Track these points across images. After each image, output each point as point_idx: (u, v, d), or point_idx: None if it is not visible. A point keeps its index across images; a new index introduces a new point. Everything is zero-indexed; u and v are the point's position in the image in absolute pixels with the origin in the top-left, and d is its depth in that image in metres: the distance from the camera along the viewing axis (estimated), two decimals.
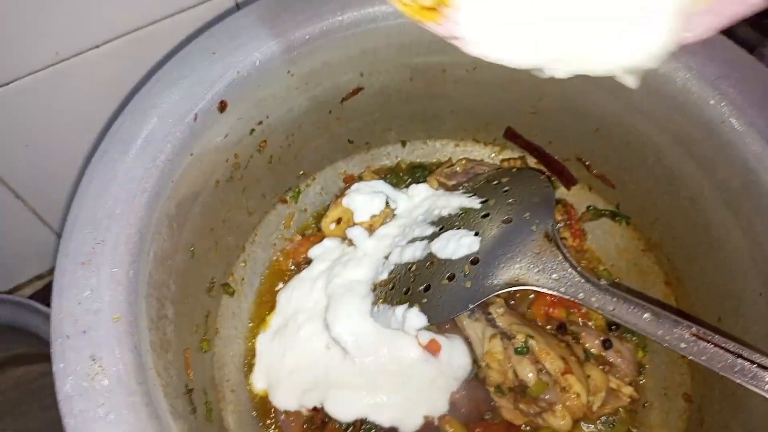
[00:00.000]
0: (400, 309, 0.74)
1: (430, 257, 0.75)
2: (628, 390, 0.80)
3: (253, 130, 0.75)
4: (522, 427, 0.78)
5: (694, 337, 0.57)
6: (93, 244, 0.55)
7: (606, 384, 0.78)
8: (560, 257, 0.67)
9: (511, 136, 0.93)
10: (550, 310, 0.84)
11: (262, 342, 0.84)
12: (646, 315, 0.61)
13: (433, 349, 0.78)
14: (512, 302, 0.83)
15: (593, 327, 0.84)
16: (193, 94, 0.65)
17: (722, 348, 0.56)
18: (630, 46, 0.41)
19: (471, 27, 0.43)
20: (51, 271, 1.18)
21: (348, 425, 0.77)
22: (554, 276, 0.66)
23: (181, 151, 0.64)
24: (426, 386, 0.77)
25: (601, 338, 0.81)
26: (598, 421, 0.81)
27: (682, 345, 0.58)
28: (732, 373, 0.55)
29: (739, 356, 0.55)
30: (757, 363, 0.54)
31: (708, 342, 0.57)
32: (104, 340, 0.52)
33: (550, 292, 0.66)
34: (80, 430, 0.49)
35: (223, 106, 0.67)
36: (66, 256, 0.55)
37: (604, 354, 0.81)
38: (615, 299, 0.63)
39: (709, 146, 0.70)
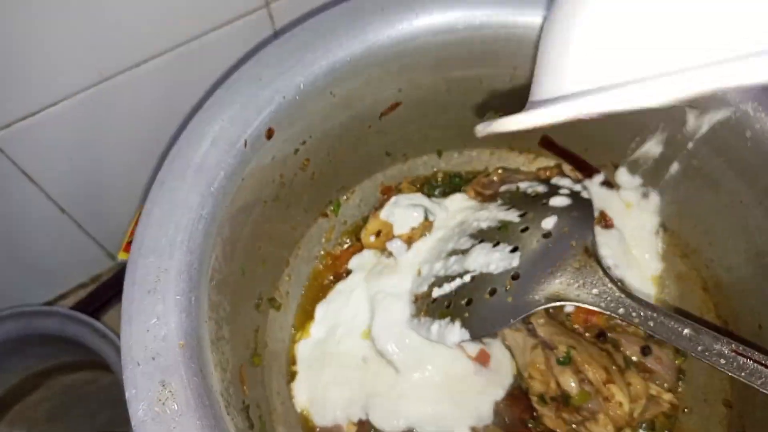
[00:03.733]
0: (443, 322, 0.75)
1: (472, 272, 0.77)
2: (667, 396, 0.81)
3: (297, 150, 0.77)
4: None
5: (734, 353, 0.59)
6: (157, 272, 0.58)
7: (646, 391, 0.79)
8: (600, 272, 0.68)
9: (547, 144, 0.94)
10: (590, 317, 0.85)
11: (302, 350, 0.86)
12: (686, 331, 0.62)
13: (483, 359, 0.80)
14: (552, 310, 0.85)
15: (632, 334, 0.85)
16: (243, 121, 0.67)
17: (762, 364, 0.57)
18: None
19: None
20: (93, 280, 1.22)
21: None
22: (594, 291, 0.68)
23: (233, 177, 0.66)
24: (473, 397, 0.78)
25: (641, 345, 0.83)
26: (639, 428, 0.82)
27: (722, 361, 0.59)
28: None
29: None
30: None
31: (748, 358, 0.58)
32: (172, 366, 0.54)
33: (590, 307, 0.68)
34: None
35: (270, 134, 0.69)
36: (133, 284, 0.58)
37: (643, 360, 0.83)
38: (655, 315, 0.64)
39: (748, 155, 0.71)
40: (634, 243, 0.89)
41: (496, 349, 0.81)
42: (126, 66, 0.86)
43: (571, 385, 0.75)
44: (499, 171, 0.93)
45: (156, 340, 0.55)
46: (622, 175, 0.90)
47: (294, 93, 0.71)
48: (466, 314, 0.73)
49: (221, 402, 0.58)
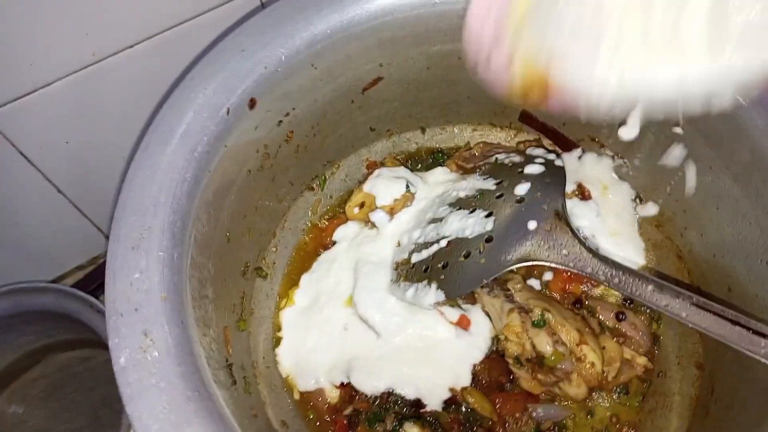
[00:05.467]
0: (420, 285, 0.78)
1: (448, 237, 0.80)
2: (642, 360, 0.84)
3: (280, 121, 0.79)
4: (540, 396, 0.82)
5: (694, 306, 0.61)
6: (141, 230, 0.61)
7: (620, 354, 0.82)
8: (570, 234, 0.71)
9: (527, 119, 0.96)
10: (567, 285, 0.88)
11: (287, 317, 0.88)
12: (650, 287, 0.64)
13: (463, 324, 0.83)
14: (529, 279, 0.88)
15: (609, 301, 0.87)
16: (225, 90, 0.70)
17: (720, 316, 0.59)
18: None
19: None
20: (91, 262, 1.24)
21: (375, 398, 0.82)
22: (564, 252, 0.70)
23: (216, 143, 0.69)
24: (452, 360, 0.81)
25: (616, 311, 0.85)
26: (614, 391, 0.85)
27: (684, 314, 0.62)
28: (730, 339, 0.58)
29: (737, 323, 0.58)
30: (752, 329, 0.57)
31: (707, 311, 0.60)
32: (154, 317, 0.57)
33: (559, 266, 0.70)
34: (135, 398, 0.54)
35: (252, 103, 0.72)
36: (117, 240, 0.60)
37: (618, 326, 0.85)
38: (620, 272, 0.67)
39: (716, 122, 0.74)
40: (611, 213, 0.91)
41: (475, 314, 0.84)
42: (119, 47, 0.88)
43: (545, 346, 0.77)
44: (480, 145, 0.95)
45: (139, 293, 0.58)
46: (599, 148, 0.93)
47: (276, 64, 0.73)
48: (442, 277, 0.76)
49: (202, 354, 0.61)
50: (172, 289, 0.60)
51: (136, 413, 0.54)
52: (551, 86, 0.59)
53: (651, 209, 0.90)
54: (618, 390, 0.85)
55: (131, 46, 0.88)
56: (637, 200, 0.92)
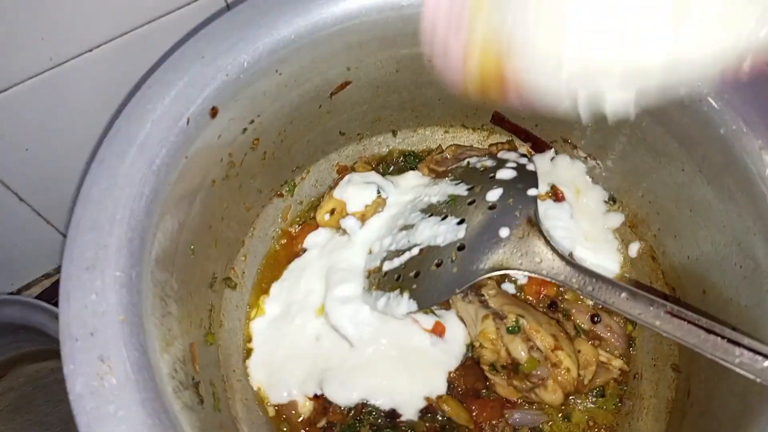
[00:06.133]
0: (393, 295, 0.76)
1: (420, 245, 0.78)
2: (617, 363, 0.83)
3: (245, 129, 0.77)
4: (517, 403, 0.81)
5: (668, 314, 0.60)
6: (96, 249, 0.58)
7: (596, 358, 0.81)
8: (543, 241, 0.70)
9: (499, 121, 0.95)
10: (542, 288, 0.87)
11: (257, 327, 0.87)
12: (623, 294, 0.63)
13: (438, 331, 0.82)
14: (504, 283, 0.87)
15: (583, 303, 0.86)
16: (185, 99, 0.67)
17: (695, 324, 0.58)
18: None
19: None
20: (57, 270, 1.21)
21: (349, 409, 0.81)
22: (537, 259, 0.69)
23: (176, 154, 0.66)
24: (427, 368, 0.80)
25: (591, 314, 0.84)
26: (590, 394, 0.84)
27: (657, 322, 0.61)
28: (705, 348, 0.57)
29: (711, 332, 0.57)
30: (727, 338, 0.56)
31: (681, 319, 0.59)
32: (111, 341, 0.55)
33: (532, 275, 0.69)
34: (92, 428, 0.52)
35: (214, 112, 0.69)
36: (71, 261, 0.58)
37: (594, 329, 0.84)
38: (594, 280, 0.65)
39: (688, 124, 0.73)
40: (585, 215, 0.90)
41: (450, 320, 0.83)
42: (78, 51, 0.85)
43: (520, 352, 0.76)
44: (452, 148, 0.94)
45: (95, 316, 0.55)
46: (572, 149, 0.92)
47: (238, 71, 0.71)
48: (414, 286, 0.75)
49: (166, 377, 0.59)
50: (131, 310, 0.57)
51: None
52: (510, 80, 0.56)
53: (616, 220, 0.90)
54: (594, 393, 0.84)
55: (91, 50, 0.86)
56: (610, 202, 0.91)
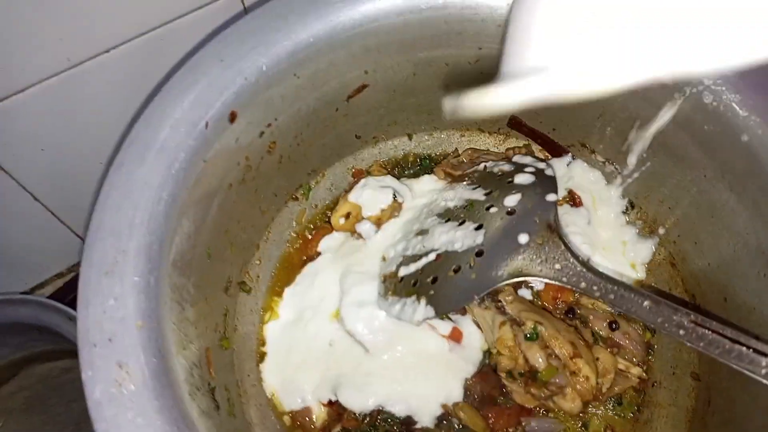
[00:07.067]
0: (409, 300, 0.76)
1: (437, 250, 0.77)
2: (636, 371, 0.82)
3: (262, 132, 0.76)
4: (534, 411, 0.81)
5: (692, 324, 0.59)
6: (115, 253, 0.58)
7: (615, 366, 0.80)
8: (562, 247, 0.69)
9: (516, 125, 0.94)
10: (559, 294, 0.86)
11: (271, 331, 0.86)
12: (645, 303, 0.62)
13: (456, 336, 0.81)
14: (520, 289, 0.86)
15: (601, 310, 0.85)
16: (204, 103, 0.67)
17: (720, 334, 0.57)
18: None
19: None
20: (71, 269, 1.21)
21: (365, 415, 0.80)
22: (557, 266, 0.68)
23: (194, 159, 0.66)
24: (443, 375, 0.79)
25: (609, 321, 0.83)
26: (608, 402, 0.83)
27: (681, 332, 0.60)
28: (729, 358, 0.56)
29: (737, 342, 0.56)
30: (753, 348, 0.55)
31: (706, 329, 0.58)
32: (129, 347, 0.54)
33: (552, 282, 0.68)
34: None
35: (233, 116, 0.69)
36: (90, 266, 0.57)
37: (612, 336, 0.83)
38: (616, 288, 0.65)
39: (710, 129, 0.72)
40: (603, 220, 0.89)
41: (466, 326, 0.82)
42: (95, 52, 0.85)
43: (538, 360, 0.75)
44: (469, 152, 0.93)
45: (113, 322, 0.55)
46: (589, 153, 0.91)
47: (257, 74, 0.71)
48: (432, 292, 0.74)
49: (182, 383, 0.58)
50: (149, 315, 0.57)
51: None
52: None
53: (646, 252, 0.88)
54: (612, 401, 0.83)
55: (108, 51, 0.86)
56: (628, 207, 0.90)
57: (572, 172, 0.92)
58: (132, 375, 0.53)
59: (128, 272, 0.57)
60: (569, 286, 0.67)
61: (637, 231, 0.89)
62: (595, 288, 0.66)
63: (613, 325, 0.83)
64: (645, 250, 0.88)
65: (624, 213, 0.91)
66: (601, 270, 0.69)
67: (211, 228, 0.73)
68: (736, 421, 0.70)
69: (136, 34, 0.86)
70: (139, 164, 0.62)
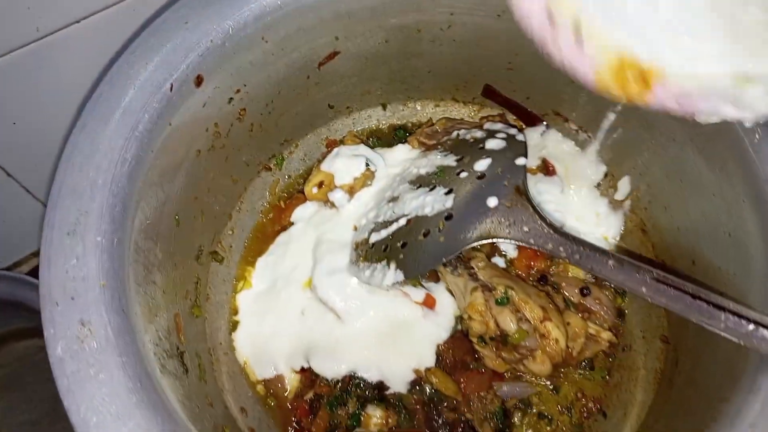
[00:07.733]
0: (380, 266, 0.76)
1: (407, 215, 0.77)
2: (606, 335, 0.83)
3: (231, 99, 0.76)
4: (505, 375, 0.81)
5: (654, 281, 0.60)
6: (77, 214, 0.57)
7: (585, 330, 0.81)
8: (531, 210, 0.69)
9: (490, 94, 0.94)
10: (532, 262, 0.87)
11: (244, 301, 0.86)
12: (610, 262, 0.63)
13: (429, 303, 0.81)
14: (494, 257, 0.86)
15: (573, 276, 0.86)
16: (169, 64, 0.66)
17: (681, 290, 0.58)
18: None
19: None
20: None
21: (337, 381, 0.80)
22: (525, 228, 0.69)
23: (159, 121, 0.65)
24: (415, 340, 0.79)
25: (580, 287, 0.84)
26: (579, 366, 0.84)
27: (643, 289, 0.60)
28: (690, 313, 0.57)
29: (697, 297, 0.57)
30: (713, 303, 0.56)
31: (667, 285, 0.59)
32: (92, 305, 0.54)
33: (520, 243, 0.69)
34: (72, 390, 0.52)
35: (199, 80, 0.68)
36: (52, 227, 0.57)
37: (583, 301, 0.84)
38: (581, 248, 0.65)
39: None
40: (576, 190, 0.90)
41: (439, 293, 0.82)
42: (65, 22, 0.84)
43: (509, 324, 0.76)
44: (443, 121, 0.93)
45: (75, 281, 0.55)
46: (565, 123, 0.91)
47: (223, 37, 0.70)
48: (401, 256, 0.74)
49: (148, 343, 0.58)
50: (112, 275, 0.56)
51: (74, 406, 0.51)
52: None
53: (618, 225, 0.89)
54: (583, 365, 0.84)
55: (78, 21, 0.85)
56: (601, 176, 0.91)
57: (546, 142, 0.92)
58: (94, 332, 0.53)
59: (90, 232, 0.57)
60: (537, 247, 0.67)
61: (609, 201, 0.89)
62: (561, 249, 0.66)
63: (584, 291, 0.84)
64: (617, 222, 0.89)
65: (597, 187, 0.91)
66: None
67: (179, 195, 0.73)
68: (699, 379, 0.70)
69: (108, 4, 0.85)
70: (103, 125, 0.62)
